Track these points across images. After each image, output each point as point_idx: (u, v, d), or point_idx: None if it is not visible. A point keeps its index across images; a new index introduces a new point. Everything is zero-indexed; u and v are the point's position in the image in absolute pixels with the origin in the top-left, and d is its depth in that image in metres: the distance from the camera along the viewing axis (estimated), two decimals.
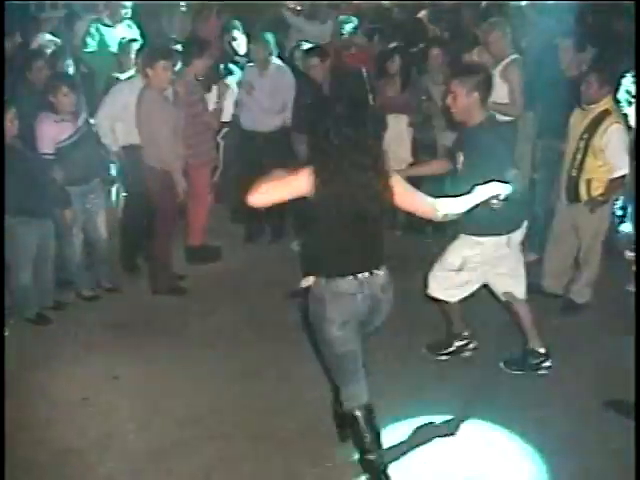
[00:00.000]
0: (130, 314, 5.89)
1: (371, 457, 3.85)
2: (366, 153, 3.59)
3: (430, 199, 3.84)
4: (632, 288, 5.77)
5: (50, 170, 5.57)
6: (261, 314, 5.79)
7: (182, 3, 9.88)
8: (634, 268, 5.95)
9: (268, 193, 3.59)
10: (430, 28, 8.49)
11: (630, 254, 6.40)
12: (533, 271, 6.14)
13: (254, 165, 6.19)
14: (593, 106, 5.37)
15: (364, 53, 8.01)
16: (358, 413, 3.83)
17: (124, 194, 6.88)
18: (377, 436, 3.87)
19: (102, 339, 5.53)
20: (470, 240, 4.75)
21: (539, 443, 4.32)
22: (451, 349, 5.24)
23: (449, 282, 4.91)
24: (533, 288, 6.02)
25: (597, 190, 5.45)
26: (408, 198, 3.76)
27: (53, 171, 5.59)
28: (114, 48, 7.38)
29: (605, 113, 5.32)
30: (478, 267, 4.83)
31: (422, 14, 9.20)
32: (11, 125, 5.23)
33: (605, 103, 5.35)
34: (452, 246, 4.88)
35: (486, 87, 4.61)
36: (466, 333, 5.23)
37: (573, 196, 5.56)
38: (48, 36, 7.90)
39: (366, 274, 3.72)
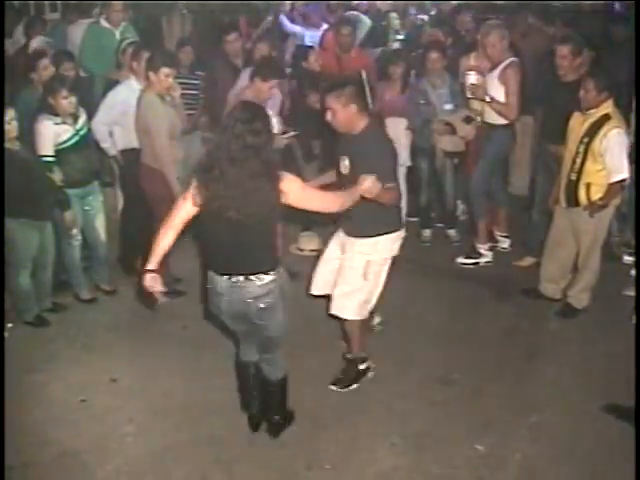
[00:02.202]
0: (128, 317, 5.90)
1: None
2: (255, 161, 3.69)
3: (331, 194, 4.16)
4: (630, 292, 5.79)
5: (50, 172, 5.57)
6: None
7: (181, 4, 9.90)
8: (633, 272, 5.99)
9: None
10: (430, 32, 8.52)
11: (628, 258, 6.44)
12: (531, 275, 6.18)
13: None
14: (593, 111, 5.38)
15: (364, 56, 8.03)
16: (250, 367, 4.37)
17: (122, 197, 6.87)
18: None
19: (100, 341, 5.53)
20: (367, 242, 4.73)
21: (537, 448, 4.33)
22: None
23: (361, 295, 4.79)
24: (531, 292, 6.07)
25: (596, 194, 5.46)
26: (305, 198, 3.90)
27: (53, 173, 5.59)
28: (112, 51, 7.37)
29: (605, 118, 5.33)
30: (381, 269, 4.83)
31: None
32: (10, 127, 5.23)
33: (605, 108, 5.36)
34: (349, 256, 4.79)
35: (361, 95, 4.75)
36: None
37: (572, 200, 5.56)
38: (43, 38, 7.89)
39: (239, 278, 3.88)
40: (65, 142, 5.64)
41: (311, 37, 9.39)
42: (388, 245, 4.79)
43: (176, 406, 4.75)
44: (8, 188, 5.14)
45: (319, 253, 6.94)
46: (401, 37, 9.42)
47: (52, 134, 5.59)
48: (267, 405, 4.43)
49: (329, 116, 4.62)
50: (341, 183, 4.58)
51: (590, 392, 4.83)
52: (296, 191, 3.81)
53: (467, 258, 6.80)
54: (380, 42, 9.16)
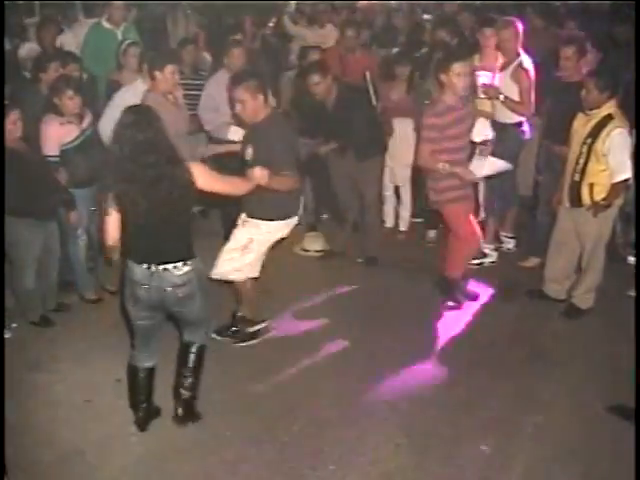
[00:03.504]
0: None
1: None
2: (150, 153, 3.93)
3: (234, 179, 4.52)
4: (634, 293, 5.79)
5: (55, 172, 5.58)
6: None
7: (184, 3, 9.92)
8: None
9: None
10: (434, 32, 8.51)
11: (632, 259, 6.43)
12: (536, 276, 6.18)
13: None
14: (596, 111, 5.38)
15: (369, 57, 8.02)
16: (140, 373, 4.54)
17: None
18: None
19: (105, 342, 5.53)
20: (256, 223, 5.19)
21: (542, 448, 4.33)
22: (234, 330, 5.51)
23: (235, 263, 5.25)
24: (536, 293, 6.06)
25: (600, 194, 5.46)
26: (211, 180, 4.16)
27: (58, 173, 5.60)
28: (113, 52, 7.39)
29: (608, 118, 5.34)
30: (260, 248, 5.28)
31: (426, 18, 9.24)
32: (15, 127, 5.25)
33: (608, 108, 5.36)
34: (239, 229, 5.29)
35: (264, 88, 5.09)
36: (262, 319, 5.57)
37: (576, 200, 5.56)
38: (35, 46, 7.91)
39: (158, 267, 4.08)
40: (70, 142, 5.65)
41: (316, 37, 9.38)
42: (272, 229, 5.24)
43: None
44: (13, 188, 5.14)
45: (324, 253, 7.01)
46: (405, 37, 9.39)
47: (57, 134, 5.60)
48: (180, 377, 4.59)
49: (239, 108, 5.02)
50: (245, 169, 4.77)
51: (595, 393, 4.83)
52: (203, 174, 4.08)
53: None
54: (385, 43, 9.14)
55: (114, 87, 6.69)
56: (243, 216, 5.30)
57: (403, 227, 7.52)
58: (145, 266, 4.09)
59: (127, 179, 3.96)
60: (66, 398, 4.88)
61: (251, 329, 5.49)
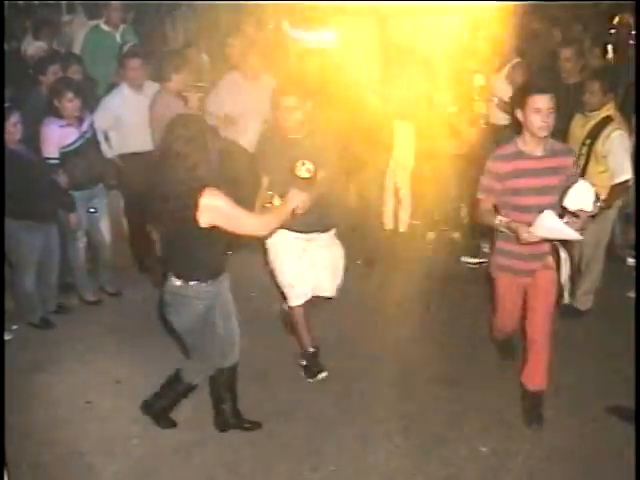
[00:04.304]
0: (133, 319, 5.90)
1: None
2: (183, 169, 3.74)
3: (260, 215, 4.21)
4: (633, 294, 5.79)
5: (55, 174, 5.59)
6: (264, 317, 5.79)
7: (183, 6, 9.92)
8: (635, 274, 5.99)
9: None
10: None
11: (632, 261, 6.44)
12: None
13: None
14: (595, 112, 5.40)
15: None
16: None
17: (123, 199, 6.89)
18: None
19: (105, 343, 5.54)
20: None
21: (540, 449, 4.34)
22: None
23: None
24: None
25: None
26: (230, 216, 3.81)
27: (57, 175, 5.61)
28: (113, 54, 7.40)
29: (607, 119, 5.35)
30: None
31: None
32: (14, 129, 5.26)
33: (607, 109, 5.38)
34: (330, 248, 5.08)
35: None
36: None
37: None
38: (41, 44, 7.93)
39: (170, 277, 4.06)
40: (70, 145, 5.67)
41: (314, 40, 9.37)
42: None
43: (181, 407, 4.75)
44: (13, 190, 5.15)
45: None
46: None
47: (57, 137, 5.61)
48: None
49: (287, 116, 4.68)
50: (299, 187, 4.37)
51: (593, 393, 4.84)
52: (217, 208, 3.73)
53: (472, 257, 6.82)
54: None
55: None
56: (323, 236, 5.02)
57: (402, 229, 7.53)
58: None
59: (152, 189, 3.88)
60: (66, 399, 4.89)
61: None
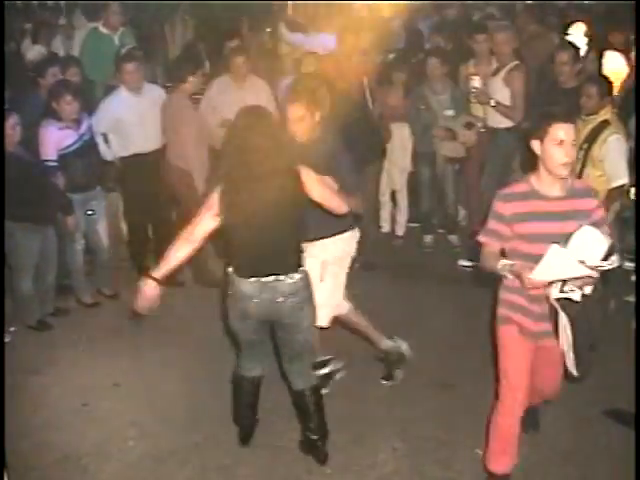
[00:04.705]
0: (131, 321, 5.89)
1: None
2: (261, 160, 3.70)
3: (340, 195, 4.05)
4: (631, 298, 5.80)
5: (53, 177, 5.60)
6: None
7: (182, 7, 9.95)
8: (633, 278, 5.99)
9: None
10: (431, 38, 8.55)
11: (629, 264, 6.44)
12: None
13: None
14: (592, 117, 5.41)
15: (366, 62, 8.02)
16: (245, 382, 4.33)
17: (122, 201, 6.90)
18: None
19: (103, 346, 5.55)
20: (321, 244, 4.62)
21: (538, 452, 4.34)
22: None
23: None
24: None
25: None
26: (322, 190, 3.88)
27: (56, 178, 5.62)
28: (111, 57, 7.41)
29: (604, 123, 5.35)
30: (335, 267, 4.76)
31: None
32: (13, 132, 5.26)
33: (604, 113, 5.38)
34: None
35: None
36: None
37: None
38: (40, 47, 7.95)
39: (269, 279, 3.86)
40: (68, 147, 5.68)
41: (311, 43, 9.38)
42: (346, 243, 4.78)
43: (178, 410, 4.76)
44: (11, 192, 5.16)
45: None
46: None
47: (55, 139, 5.62)
48: (304, 422, 4.31)
49: (296, 124, 4.53)
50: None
51: (591, 396, 4.83)
52: (315, 183, 3.82)
53: (469, 261, 6.82)
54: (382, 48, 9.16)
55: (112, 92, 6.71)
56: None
57: (400, 232, 7.54)
58: (254, 279, 3.87)
59: (236, 188, 3.75)
60: (63, 402, 4.89)
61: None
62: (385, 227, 7.62)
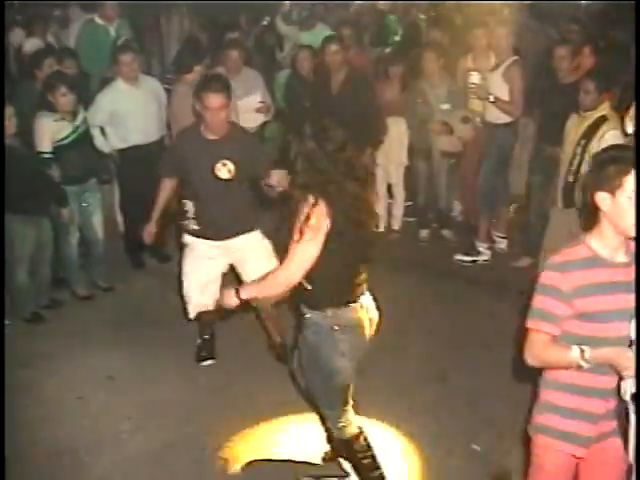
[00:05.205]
0: (125, 314, 5.89)
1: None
2: (357, 165, 3.30)
3: None
4: None
5: (48, 169, 5.57)
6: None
7: (181, 4, 9.92)
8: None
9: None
10: (427, 32, 8.55)
11: None
12: (529, 276, 6.18)
13: None
14: (590, 112, 5.40)
15: (362, 56, 8.03)
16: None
17: (119, 194, 6.87)
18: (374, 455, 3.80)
19: (97, 338, 5.53)
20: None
21: None
22: None
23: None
24: (529, 293, 6.06)
25: None
26: None
27: (51, 170, 5.59)
28: (107, 49, 7.38)
29: (602, 119, 5.34)
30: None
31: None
32: (9, 123, 5.24)
33: (602, 109, 5.38)
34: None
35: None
36: None
37: (569, 201, 5.57)
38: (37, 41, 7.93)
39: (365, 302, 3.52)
40: (63, 139, 5.66)
41: (307, 38, 9.37)
42: None
43: (173, 403, 4.75)
44: (6, 184, 5.14)
45: None
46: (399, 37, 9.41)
47: (50, 131, 5.60)
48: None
49: (220, 116, 4.49)
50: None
51: None
52: None
53: (465, 255, 6.82)
54: (380, 42, 9.17)
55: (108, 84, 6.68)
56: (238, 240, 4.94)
57: (396, 226, 7.53)
58: (359, 304, 3.44)
59: (350, 199, 3.21)
60: (58, 395, 4.88)
61: None
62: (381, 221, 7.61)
